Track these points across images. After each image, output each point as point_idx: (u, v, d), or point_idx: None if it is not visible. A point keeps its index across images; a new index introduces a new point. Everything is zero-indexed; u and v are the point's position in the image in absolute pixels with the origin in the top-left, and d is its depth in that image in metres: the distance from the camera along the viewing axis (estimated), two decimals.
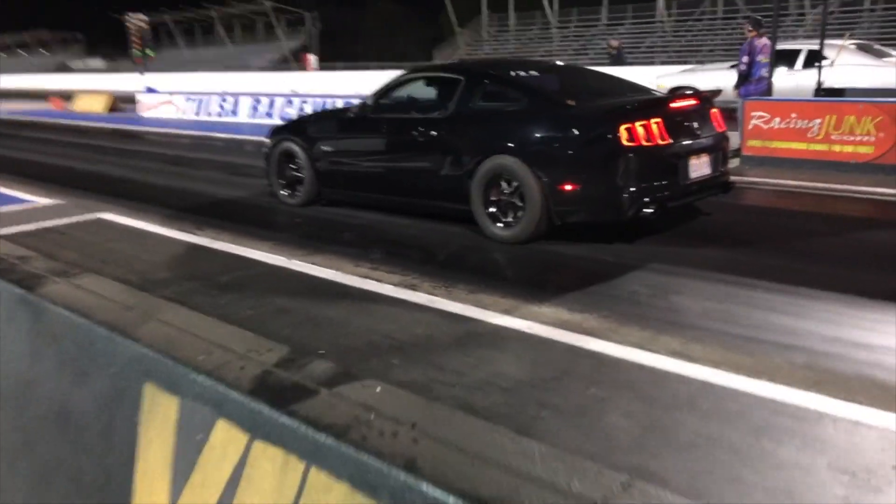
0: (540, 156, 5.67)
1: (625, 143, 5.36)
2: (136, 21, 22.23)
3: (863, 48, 14.51)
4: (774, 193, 7.88)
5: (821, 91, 10.01)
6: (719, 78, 14.96)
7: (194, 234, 6.48)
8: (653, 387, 3.25)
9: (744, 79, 9.78)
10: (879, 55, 14.38)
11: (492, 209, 5.94)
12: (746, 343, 3.70)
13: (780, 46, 15.05)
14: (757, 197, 7.81)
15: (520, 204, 5.75)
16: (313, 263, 5.41)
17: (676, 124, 5.70)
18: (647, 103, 5.91)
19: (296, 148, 7.46)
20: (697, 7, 41.60)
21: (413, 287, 4.81)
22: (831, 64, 12.07)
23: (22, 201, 8.23)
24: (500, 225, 5.91)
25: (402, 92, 7.19)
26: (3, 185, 9.27)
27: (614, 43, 22.46)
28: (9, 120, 21.53)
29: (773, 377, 3.30)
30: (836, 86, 11.12)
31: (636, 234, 5.91)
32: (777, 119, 8.53)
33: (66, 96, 26.62)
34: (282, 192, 7.71)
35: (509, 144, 5.81)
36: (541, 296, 4.54)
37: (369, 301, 4.59)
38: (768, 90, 9.70)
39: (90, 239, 6.40)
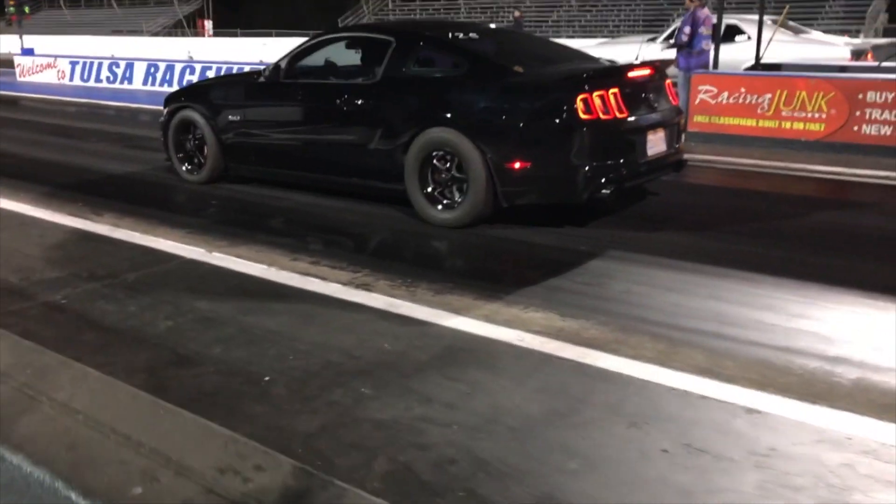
0: (484, 129, 5.00)
1: (582, 115, 4.78)
2: None
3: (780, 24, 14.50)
4: (725, 172, 7.47)
5: (759, 66, 9.71)
6: (635, 51, 14.64)
7: (90, 219, 5.44)
8: (697, 419, 2.63)
9: (681, 49, 9.35)
10: (796, 31, 14.40)
11: (429, 189, 5.27)
12: (781, 355, 3.13)
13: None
14: (707, 176, 7.38)
15: (461, 180, 5.11)
16: (239, 256, 4.54)
17: (633, 96, 5.16)
18: (603, 72, 5.32)
19: (196, 117, 6.53)
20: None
21: (367, 286, 4.03)
22: (748, 38, 11.89)
23: None
24: (440, 207, 5.25)
25: (321, 55, 6.32)
26: None
27: (517, 14, 22.42)
28: None
29: (831, 401, 2.74)
30: (767, 61, 10.91)
31: (584, 216, 5.36)
32: (725, 93, 8.14)
33: None
34: (182, 167, 6.80)
35: (448, 115, 5.11)
36: (520, 296, 3.86)
37: (316, 305, 3.78)
38: (709, 63, 9.33)
39: None
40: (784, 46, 13.11)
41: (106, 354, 3.21)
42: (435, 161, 5.21)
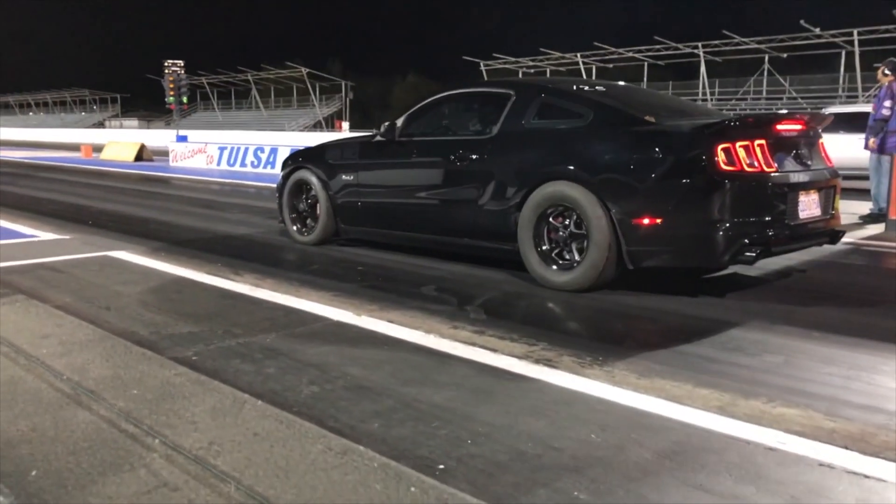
0: (609, 182, 4.49)
1: (723, 167, 4.20)
2: (174, 67, 21.49)
3: None
4: None
5: None
6: None
7: (229, 278, 5.00)
8: None
9: (882, 125, 8.25)
10: None
11: (544, 247, 4.81)
12: None
13: (849, 109, 13.79)
14: (885, 260, 6.26)
15: (581, 238, 4.60)
16: (391, 321, 3.89)
17: (783, 150, 4.55)
18: (748, 122, 4.60)
19: (311, 177, 6.39)
20: (741, 87, 40.82)
21: (549, 362, 3.25)
22: None
23: (23, 235, 6.86)
24: (555, 268, 4.75)
25: (440, 112, 5.95)
26: (9, 219, 7.94)
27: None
28: (32, 164, 20.58)
29: None
30: None
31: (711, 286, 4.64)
32: None
33: (97, 148, 25.92)
34: (293, 227, 6.67)
35: (570, 168, 4.67)
36: (748, 384, 2.97)
37: (490, 379, 3.03)
38: None
39: (93, 279, 4.94)
40: None
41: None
42: (551, 219, 4.77)
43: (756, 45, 38.39)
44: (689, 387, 2.95)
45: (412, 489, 2.06)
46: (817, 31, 34.55)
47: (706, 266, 4.69)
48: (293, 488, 2.05)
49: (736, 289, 4.88)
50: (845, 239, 6.94)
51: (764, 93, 39.44)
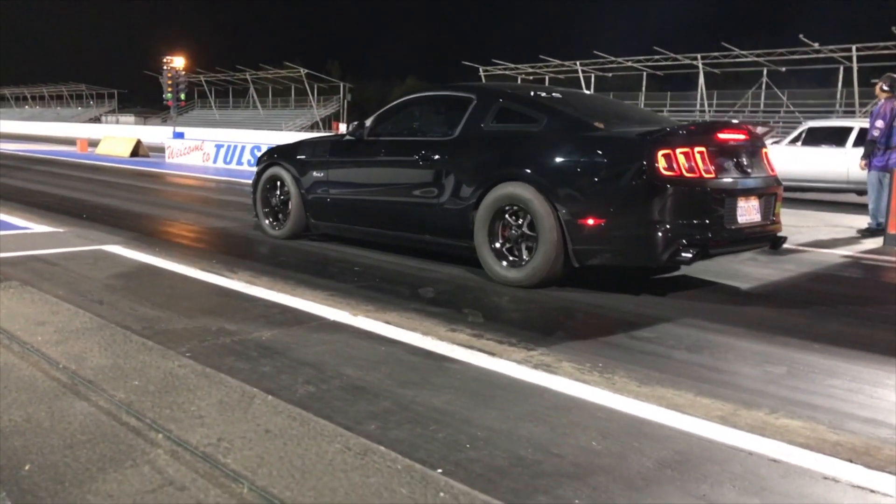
0: (558, 184, 4.70)
1: (662, 171, 4.39)
2: (173, 65, 21.43)
3: None
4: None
5: None
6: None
7: (224, 275, 4.94)
8: None
9: (872, 146, 8.31)
10: None
11: (497, 244, 5.00)
12: None
13: (827, 124, 13.90)
14: (855, 270, 6.22)
15: (531, 238, 4.83)
16: (388, 322, 3.84)
17: (724, 157, 4.72)
18: (689, 129, 4.79)
19: (284, 173, 6.57)
20: (739, 99, 40.94)
21: (548, 367, 3.20)
22: None
23: (16, 227, 6.79)
24: (506, 264, 4.95)
25: (407, 114, 6.15)
26: (2, 210, 7.85)
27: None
28: (27, 156, 20.46)
29: None
30: None
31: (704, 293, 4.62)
32: None
33: (93, 143, 25.82)
34: (265, 221, 6.86)
35: (523, 170, 4.87)
36: (749, 393, 2.93)
37: (488, 383, 2.98)
38: None
39: (86, 273, 4.88)
40: None
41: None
42: (506, 217, 4.95)
43: (755, 59, 38.51)
44: (690, 395, 2.91)
45: (441, 494, 2.01)
46: (816, 45, 34.70)
47: (646, 265, 4.89)
48: (311, 490, 2.00)
49: (733, 299, 4.85)
50: (844, 252, 6.97)
51: (762, 106, 39.55)
